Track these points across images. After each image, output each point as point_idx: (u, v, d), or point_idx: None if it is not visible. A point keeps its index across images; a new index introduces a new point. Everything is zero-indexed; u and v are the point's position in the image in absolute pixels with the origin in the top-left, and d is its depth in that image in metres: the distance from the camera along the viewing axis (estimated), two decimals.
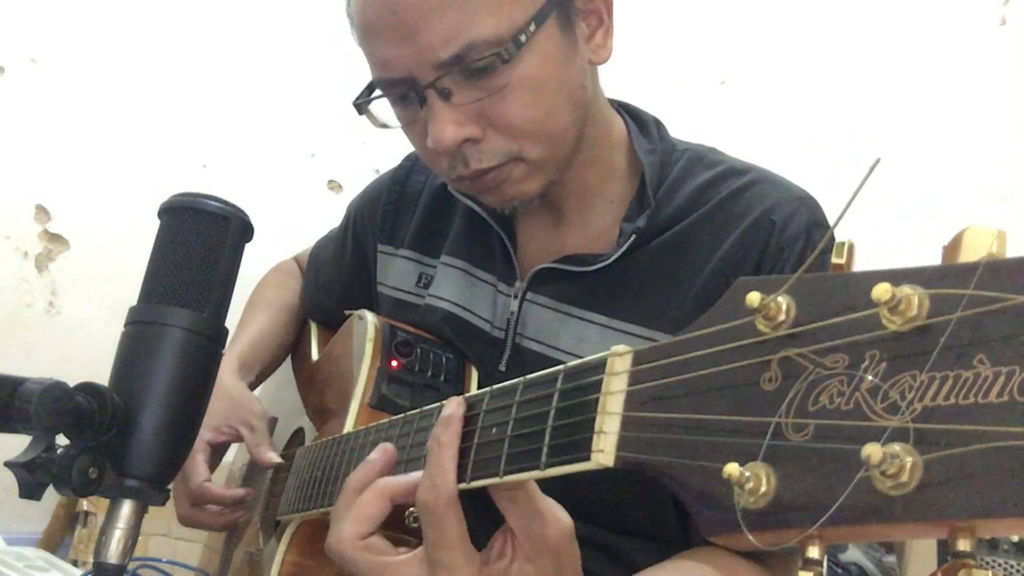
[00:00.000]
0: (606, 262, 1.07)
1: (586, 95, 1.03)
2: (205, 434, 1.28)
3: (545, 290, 1.11)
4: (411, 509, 0.86)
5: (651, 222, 1.06)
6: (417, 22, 0.92)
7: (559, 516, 0.74)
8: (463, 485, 0.72)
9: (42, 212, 3.06)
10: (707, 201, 1.07)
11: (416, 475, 0.78)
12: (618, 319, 1.06)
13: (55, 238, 3.08)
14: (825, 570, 1.36)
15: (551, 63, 0.96)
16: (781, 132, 3.37)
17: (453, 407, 0.76)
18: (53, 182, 3.05)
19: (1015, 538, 2.36)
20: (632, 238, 1.06)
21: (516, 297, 1.13)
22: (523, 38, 0.93)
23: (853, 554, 2.61)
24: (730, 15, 3.56)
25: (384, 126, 1.07)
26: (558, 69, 0.97)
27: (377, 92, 1.02)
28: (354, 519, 0.80)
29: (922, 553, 2.62)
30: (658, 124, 1.17)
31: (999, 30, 3.37)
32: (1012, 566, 2.35)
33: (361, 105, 1.05)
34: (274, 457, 1.26)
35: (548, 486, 1.06)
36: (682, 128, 1.21)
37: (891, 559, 2.70)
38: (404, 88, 0.98)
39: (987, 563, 2.37)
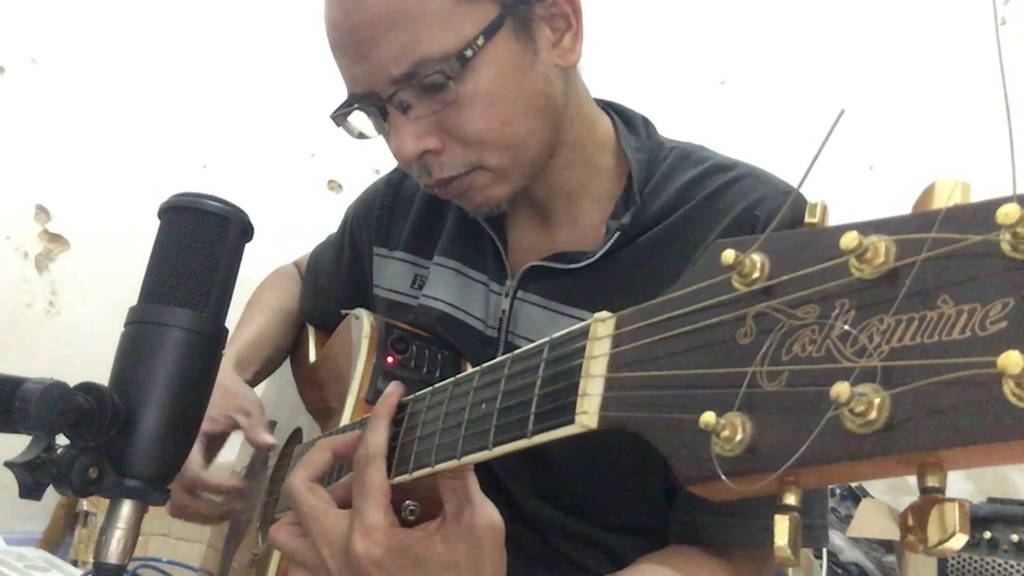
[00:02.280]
0: (592, 259, 1.07)
1: (552, 101, 1.03)
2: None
3: (535, 288, 1.12)
4: (407, 502, 0.87)
5: (636, 219, 1.07)
6: (370, 41, 0.95)
7: (490, 513, 0.79)
8: (453, 462, 0.73)
9: (42, 212, 3.06)
10: (693, 197, 1.07)
11: (352, 433, 0.91)
12: None
13: (55, 238, 3.08)
14: (825, 570, 1.36)
15: (505, 73, 0.98)
16: (781, 132, 3.37)
17: (392, 387, 0.87)
18: (53, 182, 3.05)
19: (1015, 538, 2.36)
20: (617, 235, 1.06)
21: (507, 296, 1.14)
22: (469, 53, 0.95)
23: (853, 554, 2.61)
24: (730, 15, 3.57)
25: (361, 136, 1.10)
26: (514, 78, 0.99)
27: (354, 105, 1.05)
28: (301, 466, 0.88)
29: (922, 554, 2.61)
30: (646, 123, 1.18)
31: (999, 30, 3.37)
32: (1012, 566, 2.35)
33: (338, 118, 1.08)
34: (269, 438, 1.26)
35: (548, 482, 1.08)
36: (682, 128, 1.22)
37: (891, 559, 2.70)
38: (369, 102, 1.01)
39: (987, 563, 2.37)
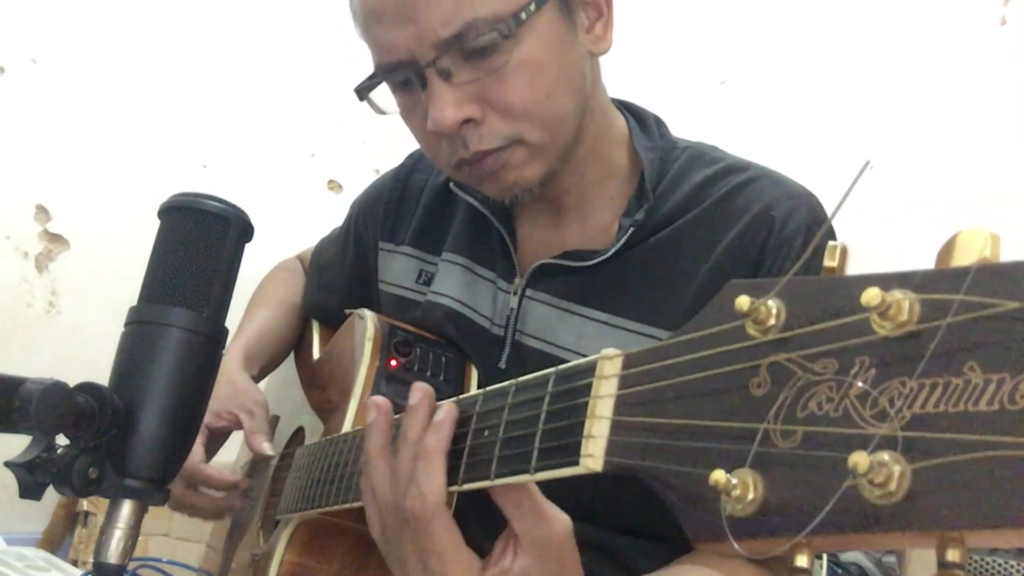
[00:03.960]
0: (604, 257, 1.07)
1: (586, 83, 1.03)
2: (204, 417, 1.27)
3: (544, 286, 1.11)
4: None
5: (649, 218, 1.07)
6: (418, 2, 0.93)
7: (560, 516, 0.74)
8: (454, 487, 0.72)
9: (42, 212, 3.06)
10: (706, 198, 1.07)
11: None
12: (617, 315, 1.06)
13: (55, 238, 3.08)
14: (825, 570, 1.34)
15: (551, 46, 0.97)
16: (781, 132, 3.36)
17: (445, 412, 0.75)
18: (53, 182, 3.04)
19: None
20: (630, 232, 1.06)
21: (516, 294, 1.13)
22: (523, 16, 0.94)
23: (853, 554, 2.61)
24: (730, 15, 3.56)
25: (383, 112, 1.07)
26: (558, 53, 0.98)
27: (381, 77, 1.03)
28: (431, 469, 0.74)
29: (923, 553, 2.62)
30: (659, 122, 1.17)
31: (999, 30, 3.36)
32: (1012, 566, 2.35)
33: (363, 91, 1.05)
34: (267, 448, 1.25)
35: (549, 485, 1.07)
36: (682, 128, 1.21)
37: (891, 559, 2.69)
38: (405, 71, 0.98)
39: (987, 563, 2.37)
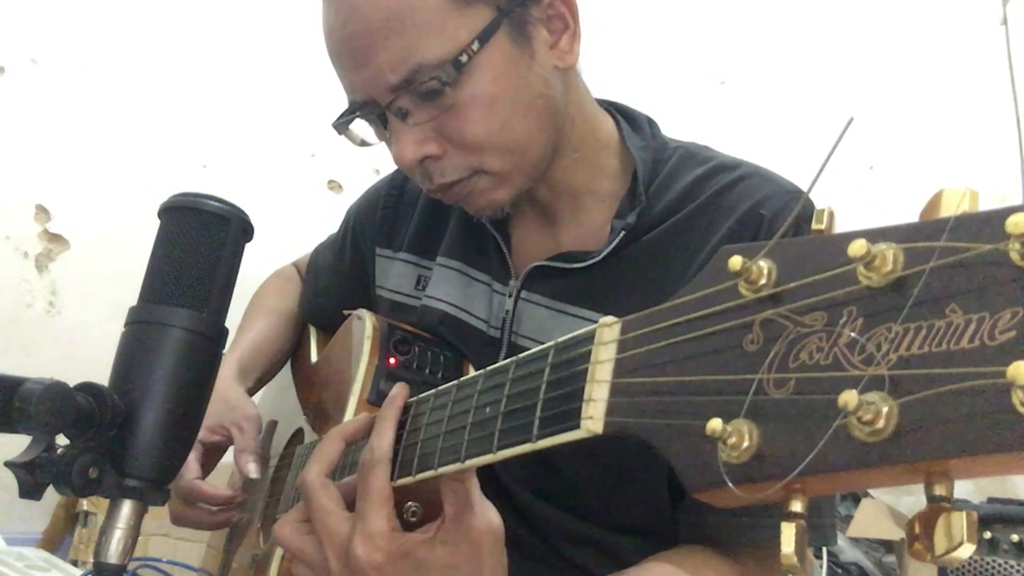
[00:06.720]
0: (597, 258, 1.07)
1: (552, 102, 1.03)
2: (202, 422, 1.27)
3: (539, 288, 1.12)
4: (409, 503, 0.87)
5: (642, 218, 1.07)
6: (367, 49, 0.96)
7: (490, 516, 0.80)
8: (457, 464, 0.73)
9: (42, 212, 3.06)
10: (698, 196, 1.08)
11: (361, 418, 0.92)
12: (611, 315, 1.06)
13: (55, 238, 3.08)
14: (825, 570, 1.35)
15: (502, 77, 0.98)
16: (781, 132, 3.37)
17: (397, 389, 0.88)
18: (53, 182, 3.05)
19: (1015, 538, 2.36)
20: (622, 234, 1.06)
21: (511, 296, 1.14)
22: (464, 59, 0.95)
23: (853, 554, 2.61)
24: (730, 15, 3.57)
25: (364, 143, 1.11)
26: (512, 81, 0.99)
27: (355, 113, 1.06)
28: (315, 460, 0.88)
29: None
30: (650, 122, 1.18)
31: (999, 30, 3.37)
32: (1012, 566, 2.35)
33: (340, 127, 1.09)
34: (252, 470, 1.25)
35: (550, 483, 1.08)
36: (682, 128, 1.22)
37: (891, 559, 2.70)
38: (369, 110, 1.02)
39: (987, 563, 2.37)
